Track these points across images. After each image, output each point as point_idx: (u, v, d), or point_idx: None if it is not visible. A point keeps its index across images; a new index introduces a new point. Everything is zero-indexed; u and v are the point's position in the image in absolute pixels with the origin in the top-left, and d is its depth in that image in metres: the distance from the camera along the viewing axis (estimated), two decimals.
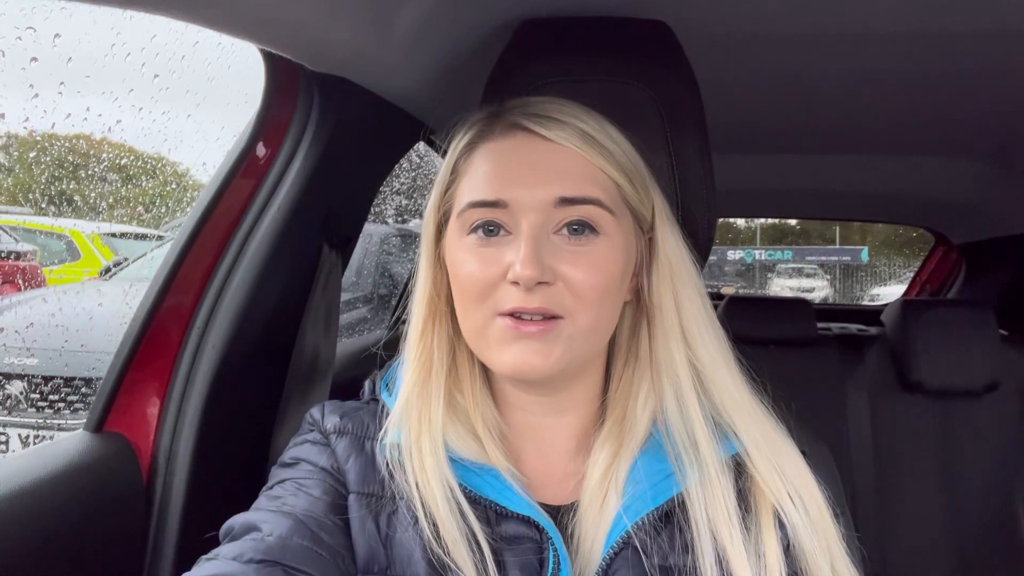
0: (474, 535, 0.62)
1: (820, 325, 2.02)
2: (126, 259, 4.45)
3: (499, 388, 0.73)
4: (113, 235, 4.99)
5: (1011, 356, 1.80)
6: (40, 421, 2.84)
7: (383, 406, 0.72)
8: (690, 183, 0.87)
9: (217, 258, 0.95)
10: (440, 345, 0.71)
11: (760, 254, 24.11)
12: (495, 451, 0.68)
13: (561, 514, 0.66)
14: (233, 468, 0.97)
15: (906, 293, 3.37)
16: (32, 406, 2.87)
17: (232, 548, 0.59)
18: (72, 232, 4.78)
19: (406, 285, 0.76)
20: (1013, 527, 1.71)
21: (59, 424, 2.83)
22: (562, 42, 0.94)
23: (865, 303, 6.60)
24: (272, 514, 0.62)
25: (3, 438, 2.80)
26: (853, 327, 2.21)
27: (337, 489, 0.67)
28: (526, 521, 0.64)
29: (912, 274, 3.42)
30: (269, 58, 0.92)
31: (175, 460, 0.89)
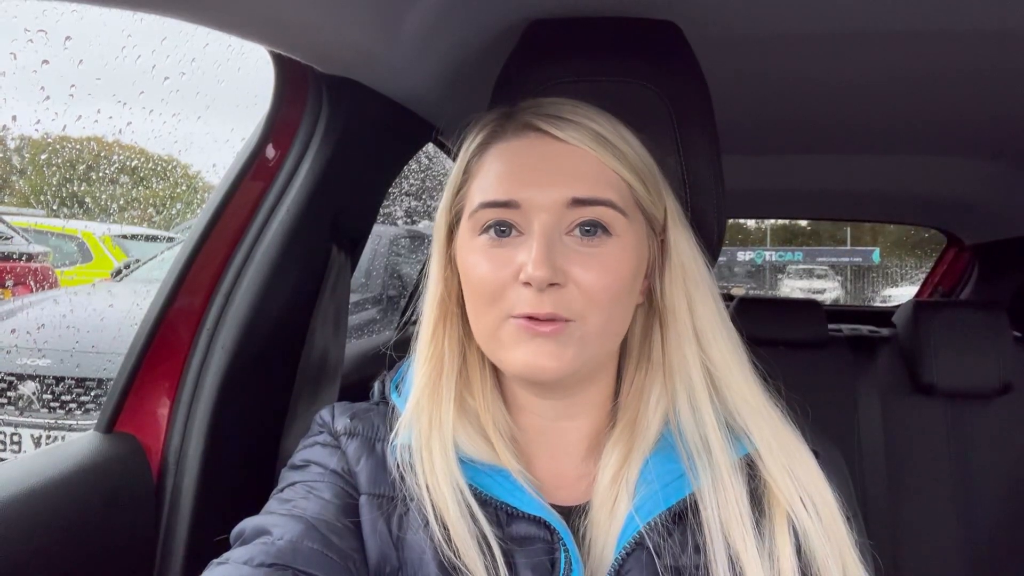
0: (484, 536, 0.62)
1: (831, 326, 2.01)
2: (137, 261, 4.47)
3: (510, 391, 0.72)
4: (124, 237, 5.02)
5: None
6: (52, 422, 2.85)
7: (393, 407, 0.72)
8: (700, 184, 0.86)
9: (227, 259, 0.95)
10: (451, 346, 0.71)
11: (770, 255, 24.02)
12: (506, 452, 0.67)
13: (572, 515, 0.66)
14: (242, 469, 0.97)
15: (918, 294, 3.35)
16: (44, 407, 2.89)
17: (243, 552, 0.59)
18: (84, 234, 4.81)
19: (416, 286, 0.76)
20: None
21: (70, 425, 2.85)
22: (571, 43, 0.93)
23: (877, 304, 6.57)
24: (282, 518, 0.62)
25: (16, 438, 2.82)
26: (864, 328, 2.20)
27: (348, 491, 0.67)
28: (537, 521, 0.64)
29: (924, 275, 3.40)
30: (278, 60, 0.92)
31: (185, 461, 0.90)
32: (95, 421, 0.91)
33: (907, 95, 1.34)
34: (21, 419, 2.86)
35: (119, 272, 4.31)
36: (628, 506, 0.64)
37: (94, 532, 0.79)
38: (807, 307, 1.98)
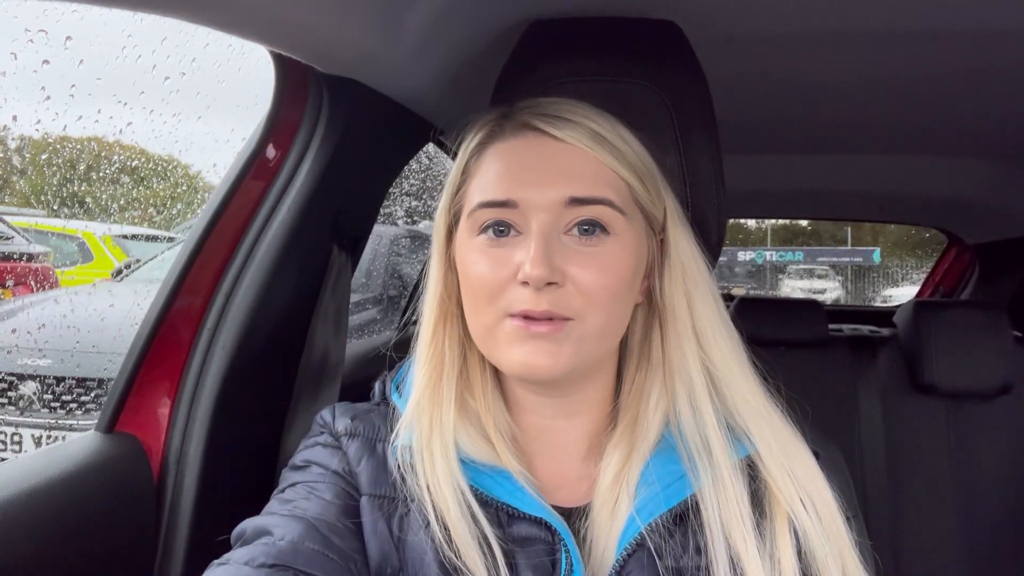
0: (485, 537, 0.62)
1: (832, 326, 2.01)
2: (138, 260, 4.48)
3: (510, 391, 0.72)
4: (125, 237, 5.03)
5: None
6: (52, 421, 2.86)
7: (394, 408, 0.72)
8: (700, 183, 0.86)
9: (227, 259, 0.95)
10: (451, 347, 0.71)
11: (771, 255, 24.02)
12: (506, 453, 0.67)
13: (573, 517, 0.66)
14: (243, 469, 0.97)
15: (919, 294, 3.34)
16: (45, 406, 2.89)
17: (244, 552, 0.59)
18: (85, 234, 4.82)
19: (416, 286, 0.76)
20: None
21: (71, 424, 2.85)
22: (571, 43, 0.93)
23: (877, 304, 6.57)
24: (283, 518, 0.62)
25: (16, 438, 2.82)
26: (865, 328, 2.20)
27: (349, 492, 0.67)
28: (538, 522, 0.64)
29: (925, 275, 3.40)
30: (279, 60, 0.92)
31: (185, 461, 0.90)
32: (96, 421, 0.92)
33: (907, 95, 1.34)
34: (22, 419, 2.86)
35: (119, 272, 4.31)
36: (629, 507, 0.64)
37: (95, 532, 0.79)
38: (808, 307, 1.98)
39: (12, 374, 2.90)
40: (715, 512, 0.62)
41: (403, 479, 0.66)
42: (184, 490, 0.89)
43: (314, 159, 0.97)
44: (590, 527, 0.65)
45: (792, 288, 20.05)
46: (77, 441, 0.86)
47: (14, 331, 3.10)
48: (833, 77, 1.25)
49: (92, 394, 2.90)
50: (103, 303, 3.25)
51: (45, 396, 2.89)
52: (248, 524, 0.63)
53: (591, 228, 0.65)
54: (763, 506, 0.65)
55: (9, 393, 2.89)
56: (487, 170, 0.68)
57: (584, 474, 0.69)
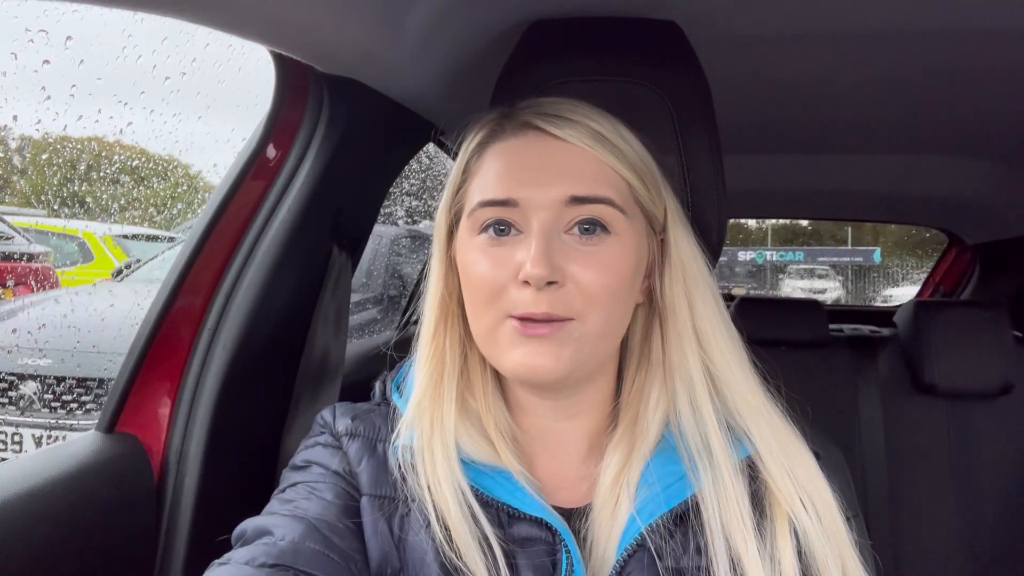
0: (486, 538, 0.62)
1: (832, 326, 2.01)
2: (138, 260, 4.48)
3: (511, 392, 0.72)
4: (125, 236, 5.03)
5: None
6: (53, 421, 2.86)
7: (394, 408, 0.72)
8: (701, 183, 0.86)
9: (228, 260, 0.95)
10: (452, 347, 0.71)
11: (771, 255, 24.04)
12: (507, 454, 0.67)
13: (574, 517, 0.66)
14: (244, 469, 0.97)
15: (919, 294, 3.34)
16: (45, 406, 2.89)
17: (244, 552, 0.59)
18: (85, 234, 4.82)
19: (416, 286, 0.76)
20: None
21: (71, 424, 2.85)
22: (571, 43, 0.93)
23: (878, 304, 6.56)
24: (284, 518, 0.62)
25: (17, 438, 2.82)
26: (866, 328, 2.20)
27: (349, 492, 0.67)
28: (538, 523, 0.64)
29: (925, 275, 3.40)
30: (279, 60, 0.92)
31: (186, 461, 0.90)
32: (96, 421, 0.92)
33: (907, 95, 1.34)
34: (22, 419, 2.86)
35: (120, 272, 4.31)
36: (629, 508, 0.64)
37: (95, 532, 0.79)
38: (808, 307, 1.98)
39: (12, 374, 2.90)
40: (715, 512, 0.62)
41: (404, 479, 0.66)
42: (184, 490, 0.89)
43: (314, 159, 0.97)
44: (590, 527, 0.65)
45: (792, 288, 20.04)
46: (77, 441, 0.86)
47: (14, 331, 3.10)
48: (833, 77, 1.25)
49: (92, 394, 2.90)
50: (103, 303, 3.25)
51: (45, 396, 2.89)
52: (248, 524, 0.63)
53: (592, 227, 0.65)
54: (763, 506, 0.65)
55: (9, 393, 2.90)
56: (488, 169, 0.68)
57: (584, 474, 0.69)
